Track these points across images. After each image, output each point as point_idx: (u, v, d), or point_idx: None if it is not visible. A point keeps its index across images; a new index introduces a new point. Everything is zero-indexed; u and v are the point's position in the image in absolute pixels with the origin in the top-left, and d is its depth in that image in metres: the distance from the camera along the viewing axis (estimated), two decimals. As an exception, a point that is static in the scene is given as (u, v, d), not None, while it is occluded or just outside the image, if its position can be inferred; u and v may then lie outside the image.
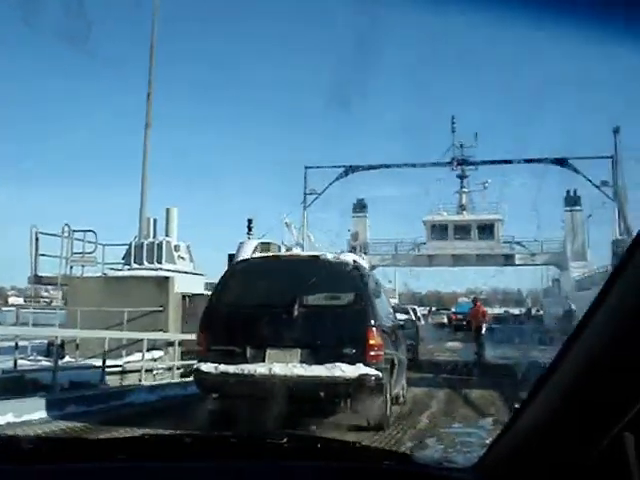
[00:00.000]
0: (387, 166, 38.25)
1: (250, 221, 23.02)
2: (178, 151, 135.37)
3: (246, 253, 21.38)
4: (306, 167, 36.91)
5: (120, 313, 14.38)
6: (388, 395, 8.59)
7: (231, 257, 21.78)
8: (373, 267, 55.67)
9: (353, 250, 53.06)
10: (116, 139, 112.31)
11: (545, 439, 1.30)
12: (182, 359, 14.88)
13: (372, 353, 7.95)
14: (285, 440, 1.62)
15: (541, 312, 76.63)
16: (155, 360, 14.29)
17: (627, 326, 1.14)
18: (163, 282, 15.56)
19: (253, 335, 8.12)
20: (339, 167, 36.66)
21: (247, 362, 8.02)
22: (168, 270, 16.50)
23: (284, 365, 7.89)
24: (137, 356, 13.58)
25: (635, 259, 1.12)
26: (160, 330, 15.22)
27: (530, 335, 42.53)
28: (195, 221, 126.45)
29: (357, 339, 7.97)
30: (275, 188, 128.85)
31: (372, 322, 8.15)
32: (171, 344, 14.73)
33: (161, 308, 15.32)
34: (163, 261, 16.78)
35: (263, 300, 8.40)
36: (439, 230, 52.73)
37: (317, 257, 8.84)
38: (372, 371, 7.89)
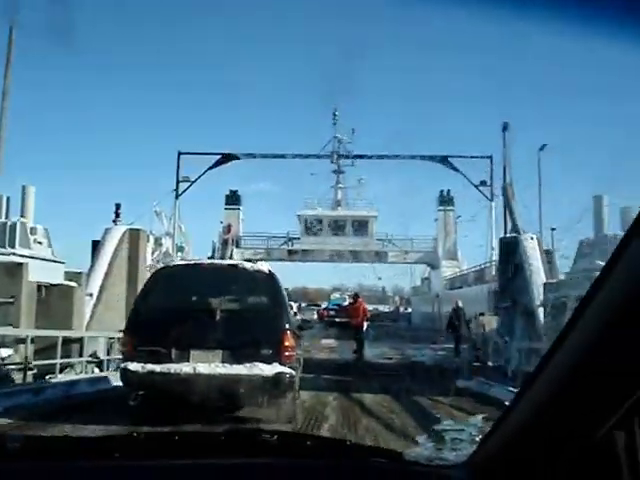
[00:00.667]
0: (265, 156, 36.72)
1: (118, 206, 20.96)
2: (34, 126, 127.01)
3: (113, 240, 19.41)
4: (180, 153, 34.80)
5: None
6: (296, 391, 9.62)
7: (95, 244, 19.73)
8: (247, 261, 53.99)
9: (225, 243, 51.54)
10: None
11: (535, 435, 1.31)
12: (35, 358, 12.88)
13: (286, 354, 8.80)
14: (275, 437, 1.62)
15: (409, 310, 77.92)
16: (2, 359, 12.16)
17: (615, 326, 1.12)
18: (15, 269, 13.38)
19: (178, 337, 8.62)
20: (214, 154, 34.76)
21: (172, 362, 8.59)
22: (21, 256, 14.30)
23: (207, 365, 8.54)
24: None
25: (624, 258, 1.11)
26: (9, 325, 13.11)
27: (402, 333, 42.67)
28: (56, 205, 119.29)
29: (273, 341, 8.73)
30: (146, 174, 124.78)
31: (286, 326, 9.03)
32: (22, 341, 12.63)
33: (11, 299, 13.18)
34: (16, 245, 14.55)
35: (186, 304, 9.08)
36: (314, 225, 51.88)
37: (236, 265, 9.87)
38: (286, 369, 8.71)
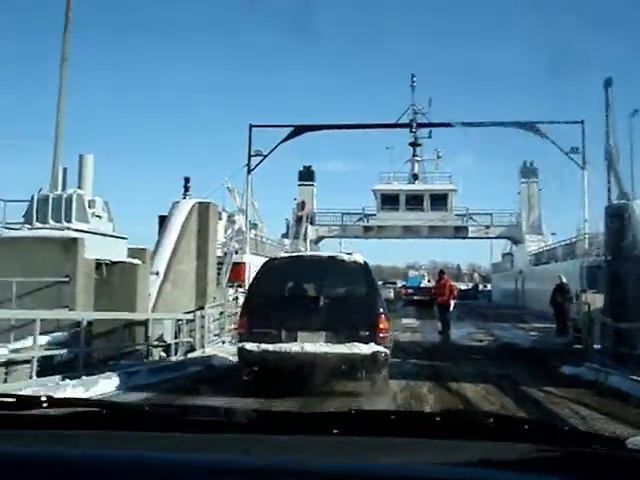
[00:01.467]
0: (339, 126, 34.86)
1: (187, 180, 19.71)
2: (98, 99, 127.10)
3: (181, 214, 18.12)
4: (251, 125, 33.31)
5: (10, 284, 11.05)
6: (387, 368, 10.45)
7: (162, 219, 18.47)
8: (320, 238, 53.16)
9: (299, 220, 50.27)
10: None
11: None
12: (90, 345, 11.64)
13: (381, 335, 9.83)
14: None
15: (488, 287, 75.32)
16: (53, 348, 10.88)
17: None
18: (70, 245, 12.09)
19: (286, 320, 9.82)
20: (287, 126, 33.14)
21: (283, 342, 9.70)
22: (78, 230, 13.01)
23: (313, 344, 9.61)
24: (30, 341, 10.22)
25: None
26: (65, 307, 11.87)
27: (484, 312, 40.61)
28: (120, 177, 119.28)
29: (370, 324, 9.74)
30: (219, 146, 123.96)
31: (381, 310, 10.07)
32: (78, 325, 11.37)
33: (66, 279, 11.91)
34: (73, 219, 13.27)
35: (293, 292, 10.38)
36: (390, 200, 49.97)
37: (334, 257, 10.81)
38: (382, 349, 9.72)
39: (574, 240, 34.53)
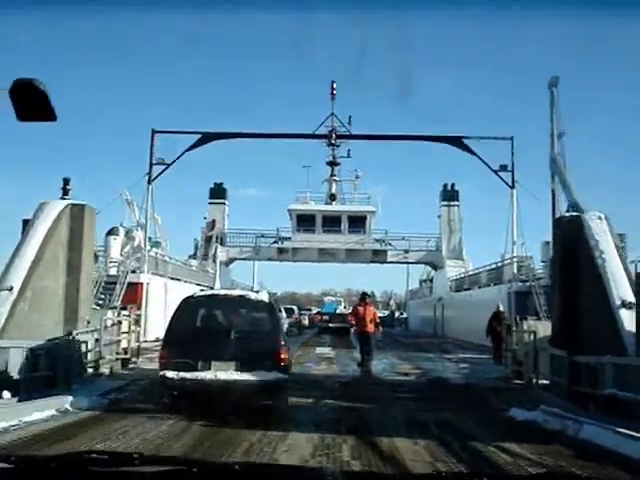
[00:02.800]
0: (252, 135, 31.88)
1: (67, 181, 16.25)
2: None
3: (47, 219, 14.74)
4: (154, 131, 29.98)
5: None
6: (287, 391, 11.70)
7: (26, 223, 15.04)
8: (231, 260, 49.88)
9: (208, 240, 46.96)
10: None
11: None
12: None
13: (282, 364, 11.20)
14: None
15: (404, 315, 73.36)
16: None
17: None
18: None
19: (202, 351, 11.01)
20: (193, 133, 29.96)
21: (198, 370, 10.88)
22: None
23: (224, 372, 10.87)
24: None
25: None
26: None
27: (402, 341, 38.19)
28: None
29: (273, 354, 11.09)
30: (116, 156, 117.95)
31: (282, 343, 11.56)
32: None
33: None
34: None
35: (207, 325, 11.89)
36: (306, 221, 47.22)
37: (244, 296, 12.33)
38: (282, 375, 11.13)
39: (500, 265, 32.46)
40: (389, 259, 47.27)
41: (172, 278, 34.75)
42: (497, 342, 20.59)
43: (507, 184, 30.41)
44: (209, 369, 10.89)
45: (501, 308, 22.79)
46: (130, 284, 28.33)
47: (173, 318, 11.71)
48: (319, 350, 27.05)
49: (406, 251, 47.16)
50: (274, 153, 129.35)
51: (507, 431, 9.56)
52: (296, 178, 66.21)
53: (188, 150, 30.11)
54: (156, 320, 30.03)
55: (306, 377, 16.23)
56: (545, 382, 14.63)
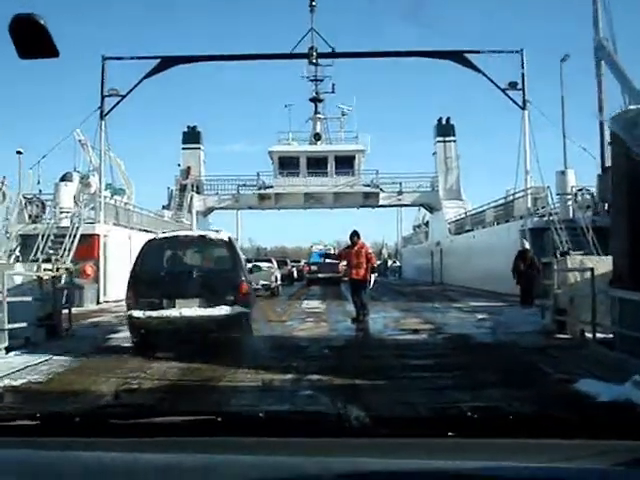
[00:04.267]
0: (216, 57, 27.14)
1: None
2: None
3: None
4: (104, 57, 25.52)
5: None
6: (252, 321, 12.34)
7: None
8: (209, 210, 45.71)
9: (183, 189, 42.82)
10: None
11: None
12: None
13: (244, 298, 11.61)
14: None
15: (397, 263, 69.56)
16: None
17: None
18: None
19: (166, 290, 11.36)
20: (151, 58, 25.43)
21: (164, 308, 11.23)
22: None
23: (189, 309, 11.20)
24: None
25: None
26: None
27: (399, 289, 34.57)
28: None
29: (234, 289, 11.51)
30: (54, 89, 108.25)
31: (243, 279, 11.91)
32: None
33: None
34: None
35: (171, 266, 12.19)
36: (289, 164, 43.16)
37: (204, 236, 12.84)
38: (245, 310, 11.54)
39: (511, 199, 28.45)
40: (381, 202, 43.34)
41: (141, 230, 30.83)
42: (525, 284, 18.94)
43: (517, 104, 26.20)
44: (174, 307, 11.26)
45: (527, 245, 20.30)
46: (84, 236, 24.32)
47: (137, 260, 12.09)
48: (307, 304, 23.23)
49: (399, 192, 43.26)
50: (253, 94, 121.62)
51: (604, 425, 5.64)
52: (278, 125, 60.65)
53: (147, 77, 25.58)
54: (118, 277, 26.11)
55: (288, 341, 12.43)
56: (602, 336, 10.89)
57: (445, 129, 44.34)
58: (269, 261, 32.42)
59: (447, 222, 40.23)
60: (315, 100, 45.51)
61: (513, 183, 27.58)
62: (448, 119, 44.62)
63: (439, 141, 44.24)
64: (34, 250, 22.81)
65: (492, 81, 25.85)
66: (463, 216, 37.82)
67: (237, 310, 11.28)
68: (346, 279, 19.02)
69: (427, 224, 50.59)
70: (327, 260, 42.63)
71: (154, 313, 11.10)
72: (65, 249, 23.31)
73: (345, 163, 43.05)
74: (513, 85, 26.09)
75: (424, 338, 12.75)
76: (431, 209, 44.63)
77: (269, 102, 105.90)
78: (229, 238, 12.65)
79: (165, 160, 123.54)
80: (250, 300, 12.22)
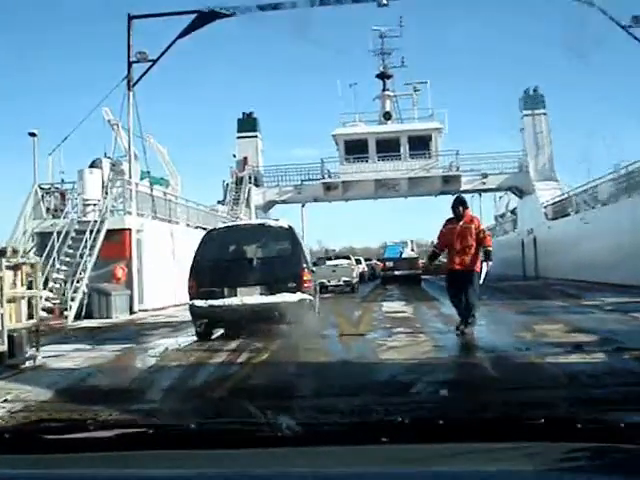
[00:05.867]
0: (273, 6, 22.36)
1: None
2: None
3: None
4: (130, 16, 21.11)
5: None
6: (316, 309, 12.70)
7: None
8: (270, 203, 41.13)
9: (239, 182, 38.36)
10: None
11: None
12: None
13: (305, 285, 11.66)
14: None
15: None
16: None
17: None
18: None
19: (228, 279, 11.52)
20: (186, 13, 20.95)
21: (225, 297, 11.42)
22: None
23: (250, 297, 11.35)
24: None
25: None
26: None
27: (492, 285, 29.23)
28: None
29: (295, 277, 11.55)
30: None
31: (304, 266, 11.92)
32: None
33: None
34: None
35: (231, 255, 12.18)
36: (356, 148, 38.15)
37: (264, 224, 13.00)
38: (306, 296, 11.59)
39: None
40: (463, 187, 37.85)
41: (188, 226, 26.45)
42: None
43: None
44: (235, 295, 11.38)
45: None
46: (112, 232, 19.94)
47: (198, 250, 12.15)
48: (388, 306, 18.24)
49: (484, 175, 37.72)
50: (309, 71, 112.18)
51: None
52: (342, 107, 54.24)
53: (182, 36, 21.09)
54: (157, 281, 21.63)
55: (374, 373, 7.45)
56: None
57: (533, 100, 38.59)
58: (348, 258, 32.71)
59: (542, 206, 34.62)
60: (383, 76, 40.46)
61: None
62: (536, 88, 38.85)
63: (527, 114, 38.50)
64: (47, 249, 18.57)
65: (608, 15, 20.24)
66: (565, 196, 32.14)
67: (299, 297, 11.39)
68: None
69: (514, 211, 44.99)
70: (404, 255, 37.60)
71: (216, 302, 11.33)
72: (86, 247, 18.94)
73: (420, 144, 37.77)
74: (637, 19, 20.43)
75: (604, 360, 7.53)
76: (520, 193, 38.93)
77: (332, 80, 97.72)
78: (289, 226, 12.59)
79: (220, 151, 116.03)
80: (312, 287, 12.30)
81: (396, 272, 34.70)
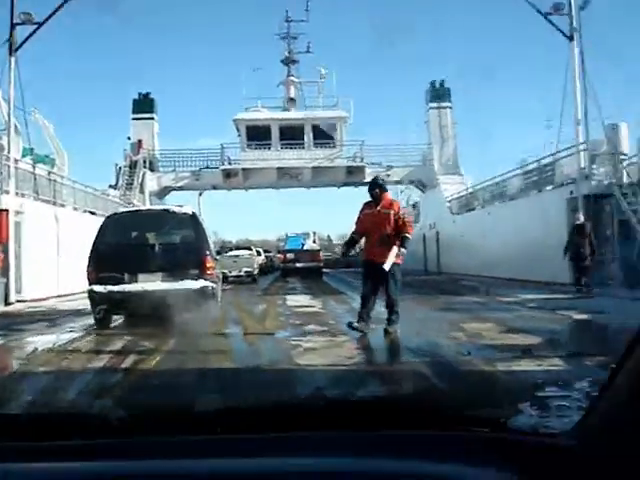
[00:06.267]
0: None
1: None
2: None
3: None
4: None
5: None
6: (218, 298, 12.61)
7: None
8: (165, 190, 39.02)
9: (133, 165, 36.13)
10: None
11: None
12: None
13: (208, 272, 11.41)
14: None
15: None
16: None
17: None
18: None
19: (128, 265, 11.20)
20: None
21: (126, 283, 11.09)
22: None
23: (151, 283, 11.06)
24: None
25: None
26: None
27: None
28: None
29: (198, 264, 11.30)
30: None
31: (207, 252, 11.65)
32: None
33: None
34: None
35: (133, 240, 11.92)
36: (259, 134, 36.60)
37: (167, 210, 12.53)
38: (209, 283, 11.35)
39: (557, 157, 22.02)
40: (367, 178, 36.98)
41: (75, 209, 24.29)
42: (579, 262, 16.30)
43: (563, 33, 19.99)
44: (136, 281, 11.14)
45: (582, 218, 16.69)
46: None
47: (98, 234, 11.87)
48: (293, 300, 16.92)
49: (388, 167, 36.92)
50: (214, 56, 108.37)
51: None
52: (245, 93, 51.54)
53: (68, -1, 19.01)
54: (39, 268, 19.50)
55: (286, 387, 6.02)
56: None
57: (439, 93, 38.12)
58: (249, 249, 32.49)
59: (447, 200, 34.13)
60: (288, 61, 39.08)
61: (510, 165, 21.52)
62: (442, 82, 38.39)
63: (433, 107, 37.99)
64: None
65: (530, 2, 19.55)
66: (470, 190, 31.69)
67: (202, 284, 11.17)
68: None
69: (414, 206, 44.65)
70: (305, 247, 36.40)
71: (115, 288, 11.06)
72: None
73: (324, 133, 36.64)
74: (557, 7, 19.83)
75: (567, 368, 6.36)
76: (423, 187, 38.43)
77: (234, 65, 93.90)
78: (193, 212, 12.41)
79: (109, 132, 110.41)
80: (215, 275, 12.13)
81: (297, 264, 33.49)
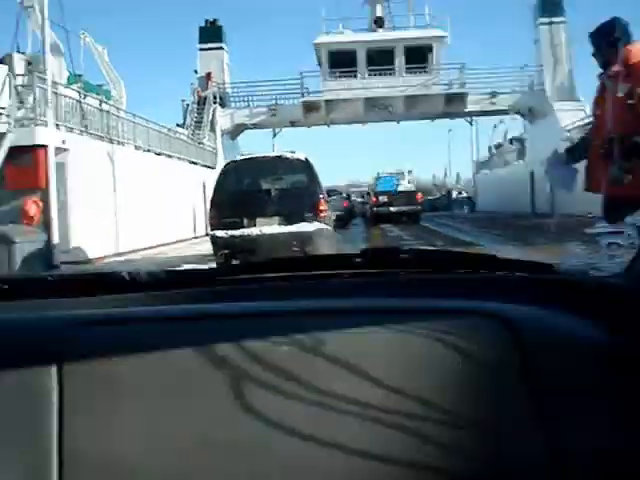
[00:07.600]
0: None
1: None
2: None
3: None
4: None
5: None
6: (335, 239, 12.76)
7: None
8: (239, 127, 35.18)
9: (202, 102, 32.25)
10: None
11: None
12: None
13: (322, 215, 11.79)
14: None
15: (463, 194, 58.20)
16: None
17: None
18: None
19: (247, 210, 11.72)
20: None
21: (245, 227, 11.60)
22: None
23: (269, 227, 11.54)
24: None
25: None
26: None
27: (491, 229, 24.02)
28: None
29: (312, 207, 11.71)
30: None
31: (320, 196, 12.11)
32: None
33: None
34: None
35: (250, 187, 12.42)
36: (343, 60, 32.09)
37: (281, 156, 12.85)
38: (323, 225, 11.65)
39: None
40: (469, 108, 32.16)
41: (137, 148, 20.58)
42: None
43: None
44: (254, 226, 11.64)
45: None
46: (18, 151, 13.98)
47: (217, 182, 12.54)
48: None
49: (493, 94, 32.00)
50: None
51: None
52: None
53: None
54: (90, 221, 15.80)
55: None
56: None
57: (551, 6, 32.68)
58: (339, 193, 31.23)
59: (565, 130, 29.01)
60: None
61: None
62: (555, -9, 32.95)
63: (543, 23, 32.65)
64: None
65: None
66: (578, 125, 26.55)
67: (317, 226, 11.59)
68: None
69: (512, 141, 39.62)
70: (400, 188, 32.02)
71: (236, 232, 11.51)
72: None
73: (418, 56, 31.83)
74: None
75: None
76: (532, 116, 33.33)
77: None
78: (306, 158, 12.71)
79: (173, 65, 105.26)
80: (328, 216, 12.58)
81: (391, 208, 29.29)
